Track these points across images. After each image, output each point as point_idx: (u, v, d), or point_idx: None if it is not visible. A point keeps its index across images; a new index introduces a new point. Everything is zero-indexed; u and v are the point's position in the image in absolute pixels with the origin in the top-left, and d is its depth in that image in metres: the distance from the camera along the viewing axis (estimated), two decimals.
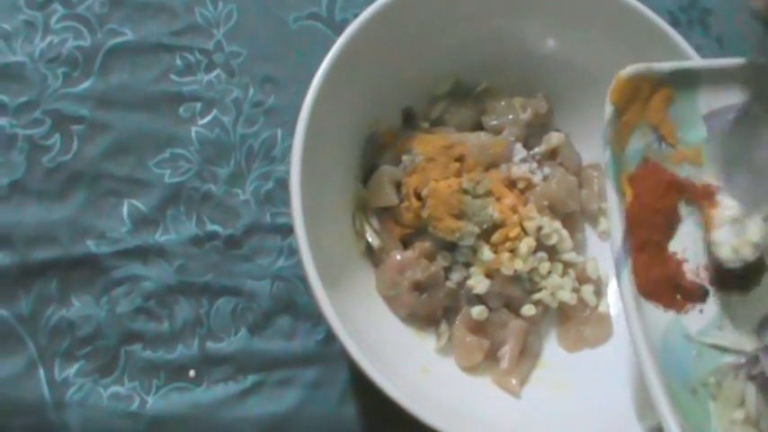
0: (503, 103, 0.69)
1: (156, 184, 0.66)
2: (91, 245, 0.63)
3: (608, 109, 0.56)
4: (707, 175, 0.58)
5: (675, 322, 0.54)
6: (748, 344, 0.54)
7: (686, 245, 0.57)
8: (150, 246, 0.64)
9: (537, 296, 0.65)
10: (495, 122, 0.68)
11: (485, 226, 0.63)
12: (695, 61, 0.61)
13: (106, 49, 0.69)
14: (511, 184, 0.66)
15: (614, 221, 0.54)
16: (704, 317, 0.55)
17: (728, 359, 0.53)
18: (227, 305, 0.64)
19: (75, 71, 0.68)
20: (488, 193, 0.64)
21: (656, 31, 0.64)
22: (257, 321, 0.64)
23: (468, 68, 0.69)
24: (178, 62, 0.70)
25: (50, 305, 0.62)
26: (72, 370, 0.61)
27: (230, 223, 0.66)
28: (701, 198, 0.57)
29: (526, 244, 0.63)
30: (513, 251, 0.63)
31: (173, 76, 0.69)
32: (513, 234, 0.63)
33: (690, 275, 0.56)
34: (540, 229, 0.64)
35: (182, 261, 0.64)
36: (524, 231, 0.64)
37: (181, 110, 0.69)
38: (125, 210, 0.65)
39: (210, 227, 0.66)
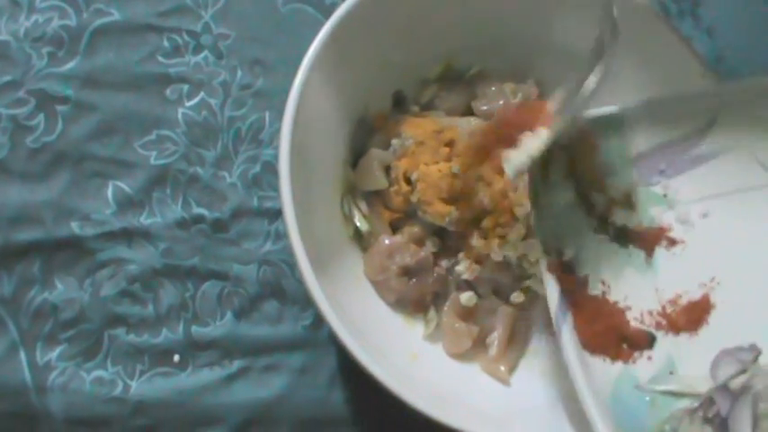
0: (493, 88, 0.68)
1: (141, 165, 0.65)
2: (75, 227, 0.62)
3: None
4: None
5: (624, 373, 0.54)
6: (702, 385, 0.53)
7: (627, 292, 0.57)
8: (135, 228, 0.63)
9: (526, 283, 0.64)
10: (485, 107, 0.67)
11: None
12: (611, 107, 0.60)
13: (92, 28, 0.67)
14: (501, 169, 0.65)
15: (548, 280, 0.55)
16: (654, 363, 0.55)
17: (683, 404, 0.53)
18: (213, 289, 0.63)
19: (61, 51, 0.67)
20: (479, 178, 0.63)
21: (650, 18, 0.64)
22: (244, 306, 0.64)
23: (460, 52, 0.68)
24: (165, 43, 0.69)
25: (33, 287, 0.61)
26: (54, 354, 0.60)
27: (217, 206, 0.65)
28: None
29: (516, 230, 0.62)
30: (502, 237, 0.62)
31: (160, 58, 0.68)
32: (503, 220, 0.62)
33: (634, 323, 0.56)
34: (530, 215, 0.63)
35: (167, 244, 0.64)
36: (514, 217, 0.63)
37: (168, 91, 0.67)
38: (110, 191, 0.64)
39: (197, 210, 0.65)
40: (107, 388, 0.60)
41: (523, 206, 0.62)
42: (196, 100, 0.68)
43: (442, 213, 0.61)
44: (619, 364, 0.54)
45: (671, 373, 0.54)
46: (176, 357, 0.62)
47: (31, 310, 0.61)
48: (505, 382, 0.61)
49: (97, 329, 0.61)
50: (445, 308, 0.63)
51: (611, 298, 0.57)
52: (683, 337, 0.55)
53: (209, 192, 0.66)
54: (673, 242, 0.58)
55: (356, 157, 0.65)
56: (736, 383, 0.52)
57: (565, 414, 0.58)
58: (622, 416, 0.51)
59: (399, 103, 0.68)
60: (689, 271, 0.56)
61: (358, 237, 0.64)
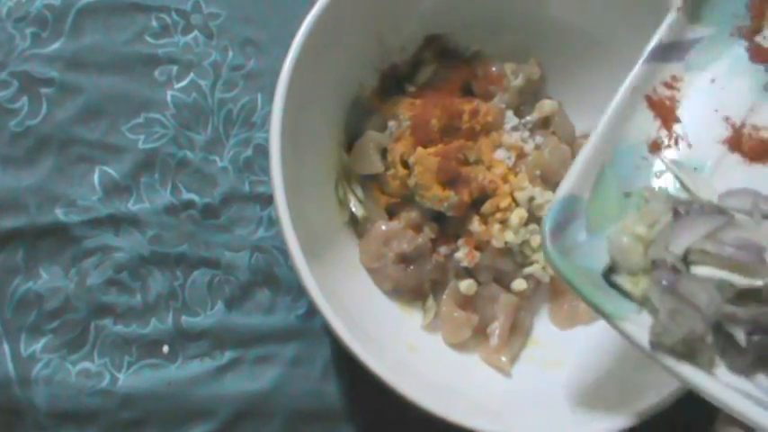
0: (494, 68, 0.66)
1: (129, 149, 0.64)
2: (60, 213, 0.61)
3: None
4: None
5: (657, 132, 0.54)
6: (702, 193, 0.52)
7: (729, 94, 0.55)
8: (123, 215, 0.62)
9: (528, 270, 0.62)
10: (485, 88, 0.66)
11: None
12: None
13: (77, 7, 0.66)
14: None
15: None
16: (681, 152, 0.54)
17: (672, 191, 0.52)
18: (203, 278, 0.62)
19: (45, 31, 0.65)
20: (478, 161, 0.62)
21: None
22: (235, 295, 0.62)
23: (458, 30, 0.66)
24: (154, 23, 0.67)
25: (16, 277, 0.60)
26: (39, 345, 0.58)
27: (207, 192, 0.64)
28: None
29: (517, 215, 0.61)
30: (503, 222, 0.61)
31: (148, 38, 0.67)
32: (503, 204, 0.61)
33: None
34: (531, 199, 0.61)
35: (156, 231, 0.62)
36: (515, 202, 0.61)
37: (156, 73, 0.66)
38: (96, 177, 0.62)
39: (186, 195, 0.63)
40: (94, 380, 0.58)
41: (525, 190, 0.61)
42: (185, 81, 0.66)
43: (441, 198, 0.60)
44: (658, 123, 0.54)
45: (695, 168, 0.53)
46: (165, 348, 0.60)
47: (14, 300, 0.59)
48: (506, 373, 0.60)
49: (83, 320, 0.59)
50: (444, 296, 0.61)
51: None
52: (734, 157, 0.54)
53: (199, 176, 0.64)
54: None
55: (351, 139, 0.63)
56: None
57: (567, 406, 0.56)
58: (625, 162, 0.52)
59: (394, 83, 0.66)
60: None
61: (353, 223, 0.62)
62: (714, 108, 0.54)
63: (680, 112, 0.54)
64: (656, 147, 0.53)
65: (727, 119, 0.54)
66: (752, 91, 0.54)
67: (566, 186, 0.50)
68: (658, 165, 0.53)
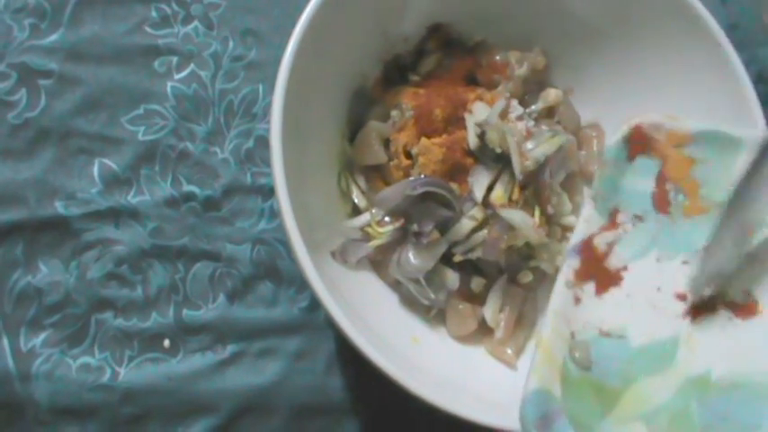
0: (498, 57, 0.66)
1: (129, 141, 0.63)
2: (59, 206, 0.60)
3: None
4: None
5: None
6: None
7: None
8: (123, 207, 0.61)
9: (534, 262, 0.62)
10: (489, 77, 0.65)
11: None
12: (735, 128, 0.58)
13: None
14: None
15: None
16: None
17: None
18: (204, 270, 0.61)
19: (43, 22, 0.64)
20: None
21: None
22: (237, 288, 0.61)
23: (461, 20, 0.65)
24: (153, 13, 0.67)
25: (16, 270, 0.59)
26: (39, 340, 0.58)
27: (208, 183, 0.63)
28: None
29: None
30: None
31: (147, 29, 0.66)
32: None
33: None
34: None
35: (156, 224, 0.61)
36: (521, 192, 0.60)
37: (156, 64, 0.65)
38: (96, 169, 0.62)
39: (187, 187, 0.63)
40: (94, 375, 0.58)
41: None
42: (186, 72, 0.66)
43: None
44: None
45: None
46: (167, 342, 0.59)
47: (14, 295, 0.58)
48: (512, 365, 0.59)
49: (84, 314, 0.59)
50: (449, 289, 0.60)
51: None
52: None
53: (199, 168, 0.63)
54: None
55: (354, 130, 0.63)
56: None
57: None
58: None
59: (398, 72, 0.65)
60: None
61: (356, 214, 0.61)
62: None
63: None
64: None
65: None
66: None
67: (532, 381, 0.49)
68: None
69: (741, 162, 0.56)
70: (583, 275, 0.54)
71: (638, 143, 0.56)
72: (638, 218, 0.56)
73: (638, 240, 0.56)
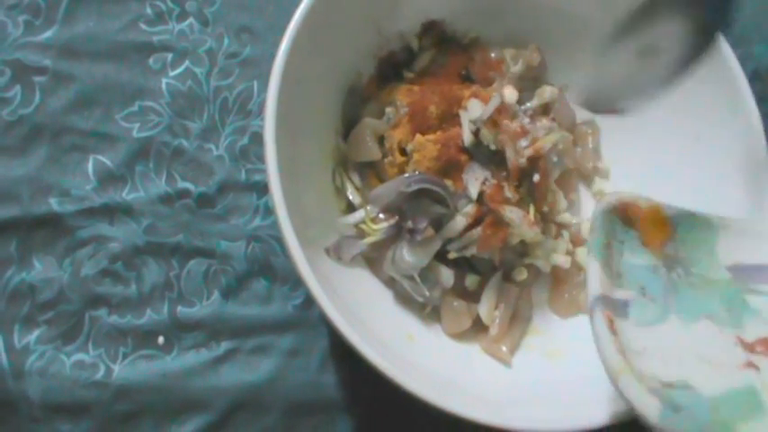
0: (493, 54, 0.66)
1: (123, 138, 0.63)
2: (54, 203, 0.60)
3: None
4: None
5: None
6: None
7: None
8: (117, 204, 0.61)
9: (528, 259, 0.62)
10: (484, 74, 0.65)
11: None
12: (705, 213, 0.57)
13: None
14: None
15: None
16: None
17: None
18: (198, 267, 0.61)
19: (38, 19, 0.64)
20: None
21: None
22: (231, 285, 0.61)
23: (456, 16, 0.65)
24: (148, 10, 0.67)
25: (9, 267, 0.59)
26: (32, 337, 0.58)
27: (203, 180, 0.63)
28: None
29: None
30: None
31: (142, 25, 0.66)
32: None
33: None
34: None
35: (151, 220, 0.61)
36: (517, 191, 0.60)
37: (150, 61, 0.65)
38: (90, 166, 0.62)
39: (182, 184, 0.63)
40: (88, 372, 0.58)
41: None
42: (180, 69, 0.65)
43: None
44: None
45: None
46: (161, 339, 0.59)
47: (7, 292, 0.58)
48: (507, 362, 0.59)
49: (78, 311, 0.59)
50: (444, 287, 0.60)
51: None
52: None
53: (194, 165, 0.63)
54: None
55: (348, 126, 0.62)
56: None
57: (567, 396, 0.55)
58: None
59: (391, 70, 0.65)
60: None
61: (350, 211, 0.61)
62: None
63: None
64: None
65: None
66: None
67: None
68: None
69: (721, 245, 0.56)
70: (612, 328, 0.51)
71: (623, 217, 0.55)
72: (643, 289, 0.54)
73: (651, 309, 0.53)
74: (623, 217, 0.55)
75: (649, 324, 0.52)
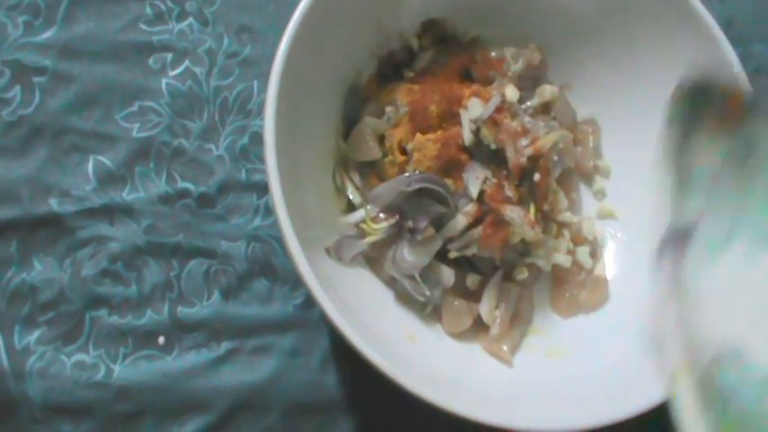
0: (494, 53, 0.66)
1: (123, 138, 0.63)
2: (54, 203, 0.60)
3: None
4: None
5: None
6: None
7: None
8: (117, 204, 0.61)
9: (529, 259, 0.62)
10: (484, 73, 0.65)
11: None
12: None
13: None
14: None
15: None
16: None
17: None
18: (199, 267, 0.61)
19: (37, 19, 0.64)
20: None
21: None
22: (232, 285, 0.61)
23: (456, 15, 0.65)
24: (148, 10, 0.67)
25: (10, 268, 0.59)
26: (33, 337, 0.58)
27: (203, 180, 0.63)
28: None
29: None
30: None
31: (142, 25, 0.66)
32: None
33: None
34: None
35: (151, 221, 0.61)
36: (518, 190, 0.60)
37: (150, 60, 0.65)
38: (90, 166, 0.62)
39: (182, 184, 0.62)
40: (89, 372, 0.57)
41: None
42: (180, 69, 0.65)
43: None
44: None
45: None
46: (161, 339, 0.59)
47: (7, 292, 0.58)
48: (508, 362, 0.59)
49: (78, 311, 0.59)
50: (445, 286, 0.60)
51: None
52: None
53: (194, 165, 0.63)
54: None
55: (349, 126, 0.62)
56: None
57: (569, 395, 0.55)
58: None
59: (392, 69, 0.65)
60: None
61: (351, 210, 0.61)
62: None
63: None
64: None
65: None
66: None
67: None
68: None
69: None
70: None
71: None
72: (710, 199, 0.42)
73: (715, 228, 0.42)
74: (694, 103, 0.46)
75: (713, 249, 0.42)
